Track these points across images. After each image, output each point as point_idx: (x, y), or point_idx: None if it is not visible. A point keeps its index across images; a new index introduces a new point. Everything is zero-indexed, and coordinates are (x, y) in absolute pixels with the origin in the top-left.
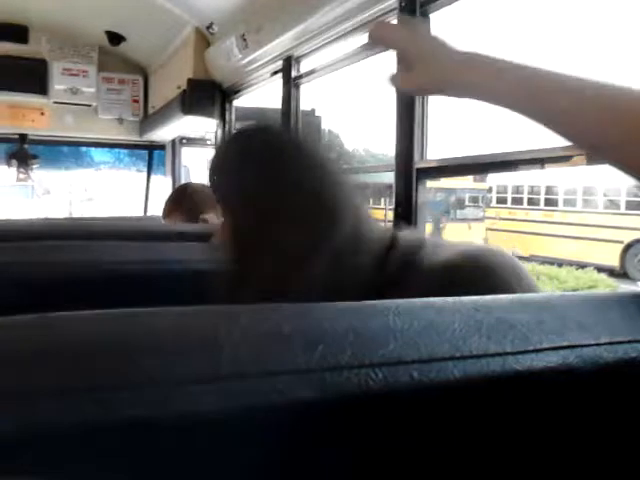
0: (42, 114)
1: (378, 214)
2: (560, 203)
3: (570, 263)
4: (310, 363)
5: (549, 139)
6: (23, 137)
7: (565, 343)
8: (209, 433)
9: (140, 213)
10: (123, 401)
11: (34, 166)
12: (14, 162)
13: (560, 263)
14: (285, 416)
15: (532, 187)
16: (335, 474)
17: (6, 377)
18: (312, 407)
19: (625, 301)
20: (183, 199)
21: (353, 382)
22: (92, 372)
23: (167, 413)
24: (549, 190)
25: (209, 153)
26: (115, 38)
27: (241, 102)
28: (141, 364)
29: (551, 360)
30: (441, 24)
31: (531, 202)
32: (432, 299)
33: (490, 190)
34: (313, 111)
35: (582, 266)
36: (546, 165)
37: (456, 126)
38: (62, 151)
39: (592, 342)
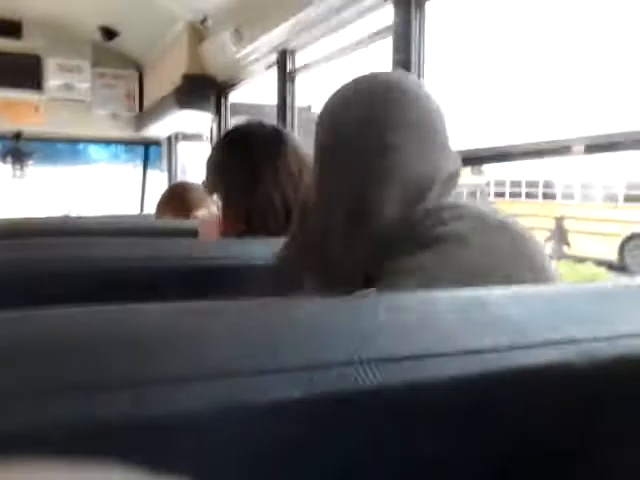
0: (36, 110)
1: None
2: (558, 197)
3: (569, 257)
4: (297, 360)
5: (548, 131)
6: (18, 134)
7: (562, 337)
8: (193, 432)
9: (136, 210)
10: (103, 400)
11: (29, 163)
12: (9, 159)
13: (559, 257)
14: (272, 415)
15: (530, 182)
16: (324, 474)
17: None
18: (300, 406)
19: (624, 293)
20: (175, 198)
21: (342, 380)
22: (69, 370)
23: (148, 412)
24: (547, 184)
25: (205, 149)
26: (109, 33)
27: (236, 97)
28: (122, 361)
29: (548, 355)
30: (435, 14)
31: (529, 196)
32: (424, 293)
33: (488, 184)
34: (309, 107)
35: (581, 260)
36: (545, 156)
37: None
38: (57, 147)
39: (591, 336)
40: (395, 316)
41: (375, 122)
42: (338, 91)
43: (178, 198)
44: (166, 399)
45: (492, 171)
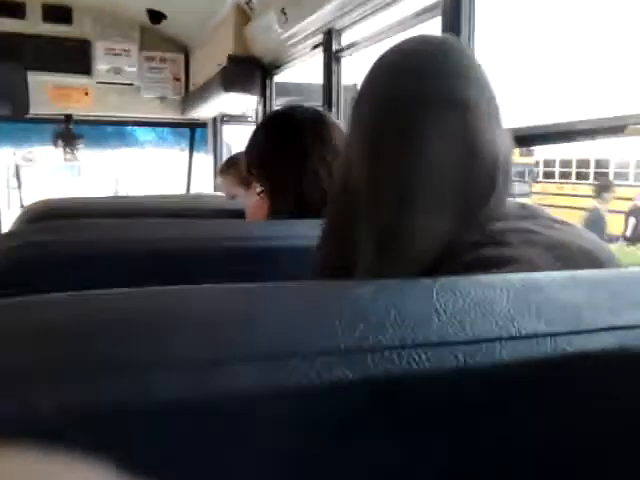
0: (86, 94)
1: None
2: (611, 177)
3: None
4: (350, 343)
5: (601, 109)
6: (68, 117)
7: (621, 323)
8: (244, 414)
9: (182, 191)
10: (155, 382)
11: (79, 146)
12: (60, 142)
13: (611, 239)
14: (323, 398)
15: (581, 161)
16: (374, 459)
17: (43, 356)
18: (352, 389)
19: None
20: (237, 168)
21: (395, 363)
22: (123, 352)
23: (199, 394)
24: (599, 164)
25: (250, 130)
26: (156, 16)
27: (282, 77)
28: (174, 343)
29: (606, 341)
30: None
31: (580, 176)
32: (478, 276)
33: (537, 164)
34: (355, 86)
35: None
36: (597, 136)
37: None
38: (106, 130)
39: None
40: (449, 299)
41: (436, 71)
42: (380, 59)
43: (239, 169)
44: (215, 380)
45: (541, 150)
